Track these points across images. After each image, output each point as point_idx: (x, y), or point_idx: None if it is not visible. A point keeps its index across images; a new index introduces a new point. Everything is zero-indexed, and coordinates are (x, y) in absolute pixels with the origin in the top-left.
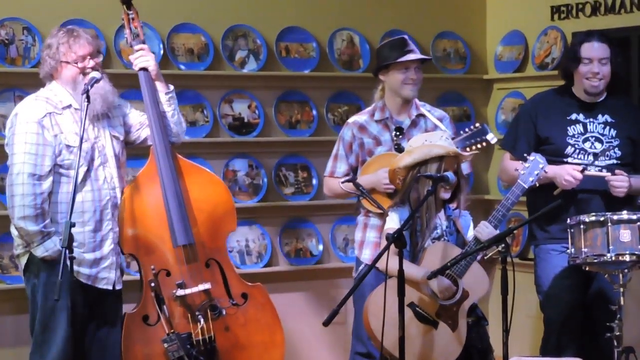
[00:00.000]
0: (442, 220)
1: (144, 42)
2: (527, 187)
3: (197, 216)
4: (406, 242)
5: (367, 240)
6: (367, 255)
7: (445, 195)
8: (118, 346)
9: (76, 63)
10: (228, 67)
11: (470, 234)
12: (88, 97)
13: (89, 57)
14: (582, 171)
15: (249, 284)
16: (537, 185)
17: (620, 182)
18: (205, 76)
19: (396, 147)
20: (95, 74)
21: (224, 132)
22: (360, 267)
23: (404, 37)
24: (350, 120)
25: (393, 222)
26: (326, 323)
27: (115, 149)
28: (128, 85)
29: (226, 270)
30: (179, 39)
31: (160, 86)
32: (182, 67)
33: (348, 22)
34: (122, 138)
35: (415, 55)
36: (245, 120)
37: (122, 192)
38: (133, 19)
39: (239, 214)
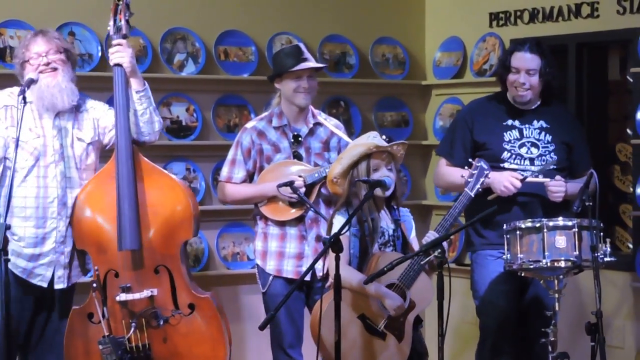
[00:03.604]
0: (388, 225)
1: (125, 37)
2: (473, 196)
3: (152, 220)
4: (342, 247)
5: (270, 250)
6: (272, 266)
7: (387, 192)
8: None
9: (31, 61)
10: (166, 70)
11: (413, 235)
12: (24, 98)
13: (44, 54)
14: (522, 180)
15: (199, 295)
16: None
17: (557, 187)
18: (144, 79)
19: (294, 154)
20: (32, 75)
21: (162, 135)
22: (270, 279)
23: (298, 45)
24: (249, 125)
25: (341, 225)
26: (262, 327)
27: (77, 150)
28: None
29: (176, 278)
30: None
31: (134, 83)
32: None
33: (287, 26)
34: (89, 141)
35: (308, 64)
36: (183, 123)
37: None
38: (120, 10)
39: None
